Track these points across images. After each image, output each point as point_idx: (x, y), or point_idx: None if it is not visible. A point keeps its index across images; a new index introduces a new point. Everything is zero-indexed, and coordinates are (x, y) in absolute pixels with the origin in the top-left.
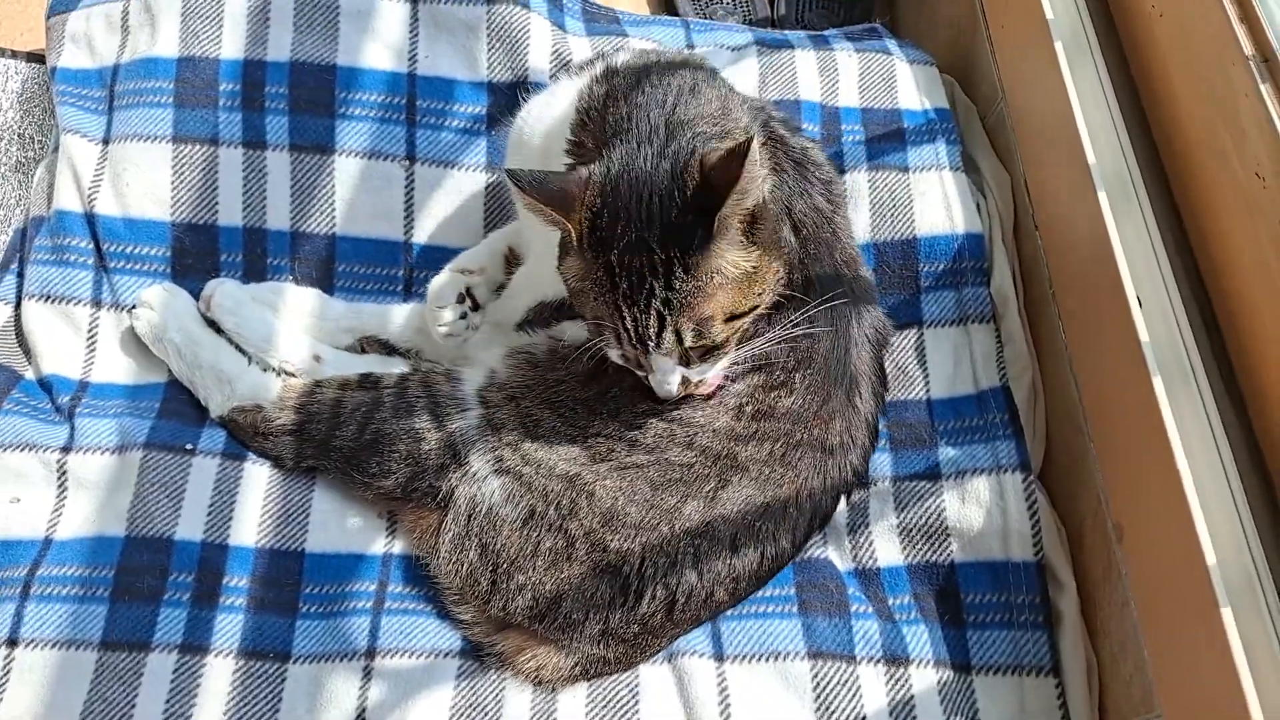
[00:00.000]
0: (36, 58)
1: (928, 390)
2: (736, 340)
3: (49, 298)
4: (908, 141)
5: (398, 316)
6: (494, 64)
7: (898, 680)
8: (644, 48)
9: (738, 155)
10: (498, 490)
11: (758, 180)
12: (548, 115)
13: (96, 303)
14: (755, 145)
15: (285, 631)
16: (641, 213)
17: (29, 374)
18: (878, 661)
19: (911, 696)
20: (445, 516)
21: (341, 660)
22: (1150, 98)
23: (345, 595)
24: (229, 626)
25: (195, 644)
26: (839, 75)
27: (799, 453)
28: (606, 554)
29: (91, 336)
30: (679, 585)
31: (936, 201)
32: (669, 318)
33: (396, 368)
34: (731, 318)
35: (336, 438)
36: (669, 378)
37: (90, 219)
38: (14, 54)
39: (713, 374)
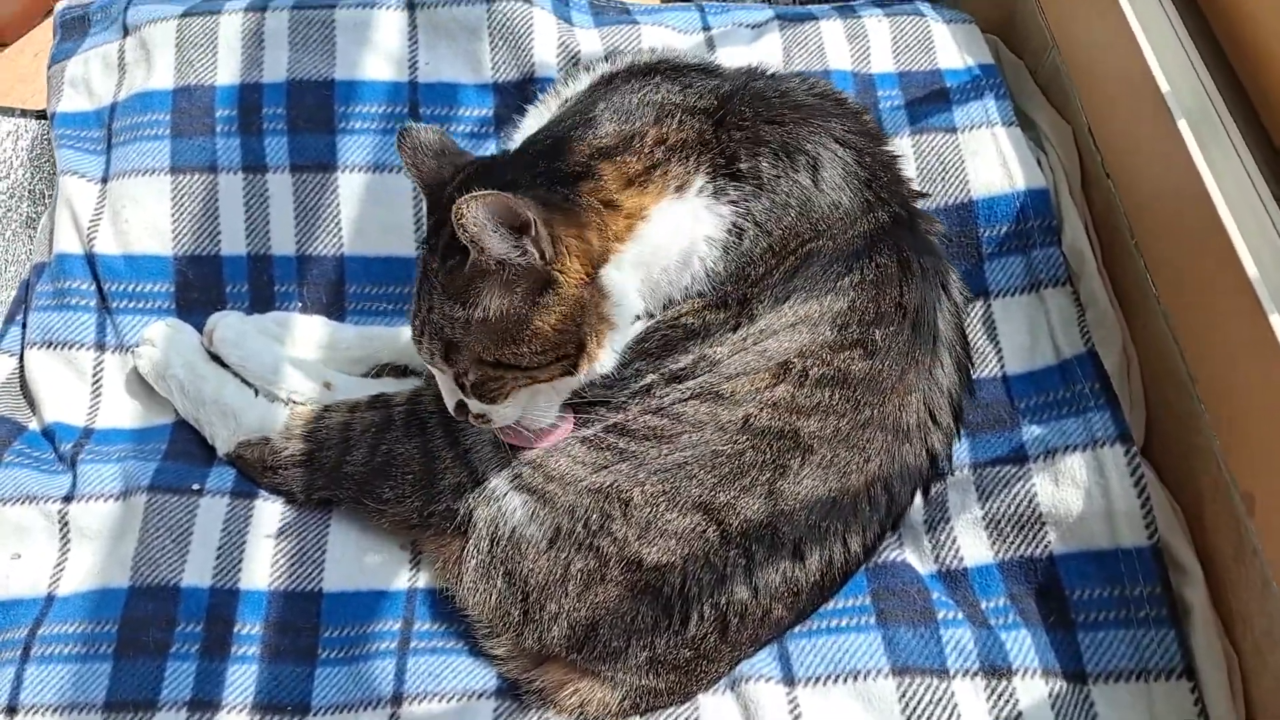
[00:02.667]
0: (45, 115)
1: (1002, 366)
2: (525, 400)
3: (51, 344)
4: (952, 101)
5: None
6: (499, 64)
7: (1000, 695)
8: (656, 43)
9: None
10: (519, 509)
11: (487, 238)
12: (529, 128)
13: (100, 346)
14: (464, 208)
15: (304, 681)
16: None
17: (33, 425)
18: (975, 674)
19: (1019, 713)
20: (467, 543)
21: (366, 709)
22: (1218, 12)
23: (368, 637)
24: (242, 679)
25: (206, 699)
26: (869, 42)
27: (869, 433)
28: (642, 573)
29: (96, 381)
30: (729, 603)
31: (991, 160)
32: (426, 330)
33: (411, 386)
34: (497, 365)
35: (347, 464)
36: (445, 393)
37: (90, 260)
38: (23, 113)
39: (524, 419)
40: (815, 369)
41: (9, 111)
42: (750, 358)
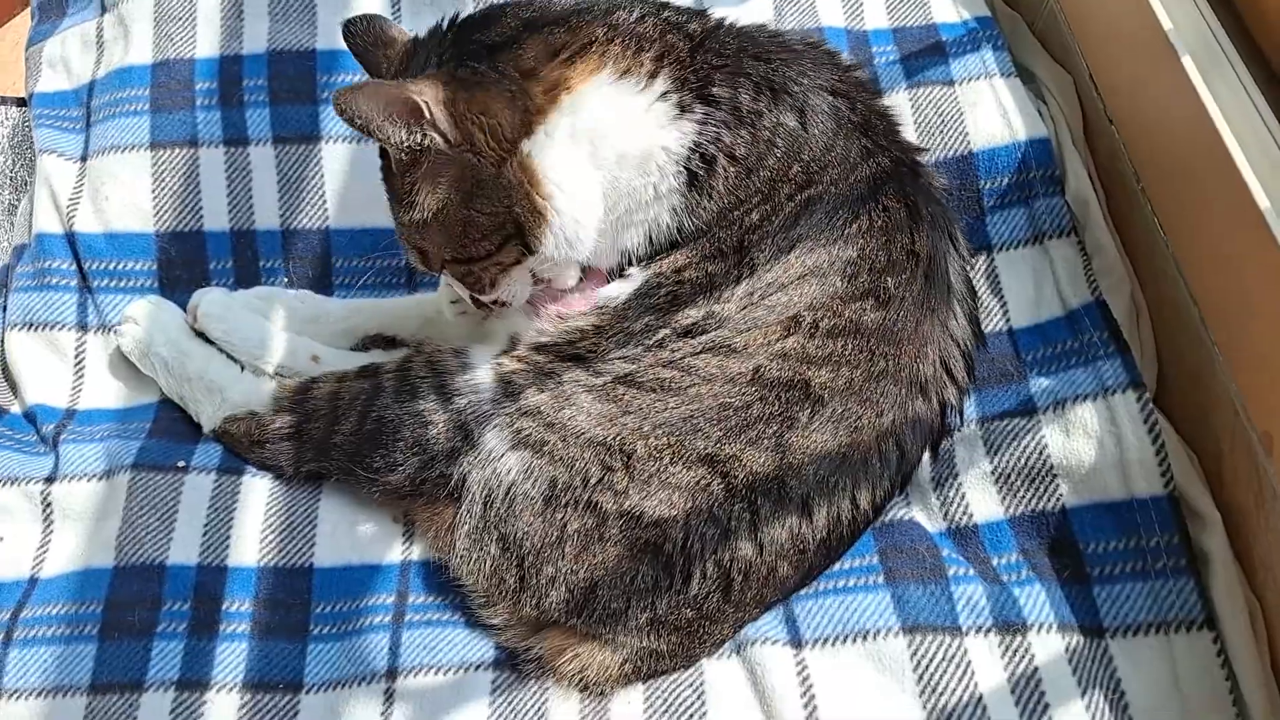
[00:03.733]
0: (26, 103)
1: (1008, 320)
2: (520, 280)
3: (32, 325)
4: (949, 54)
5: (400, 308)
6: None
7: (1015, 651)
8: None
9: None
10: (515, 467)
11: (382, 129)
12: None
13: (82, 326)
14: (341, 102)
15: (295, 658)
16: None
17: (14, 408)
18: (988, 631)
19: (1035, 669)
20: (459, 509)
21: (360, 684)
22: None
23: (361, 611)
24: (232, 657)
25: (194, 679)
26: None
27: (882, 385)
28: (643, 529)
29: (79, 362)
30: (732, 560)
31: (990, 111)
32: (401, 238)
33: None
34: (457, 261)
35: (336, 433)
36: (457, 292)
37: (71, 239)
38: (4, 100)
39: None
40: (826, 320)
41: None
42: (760, 312)
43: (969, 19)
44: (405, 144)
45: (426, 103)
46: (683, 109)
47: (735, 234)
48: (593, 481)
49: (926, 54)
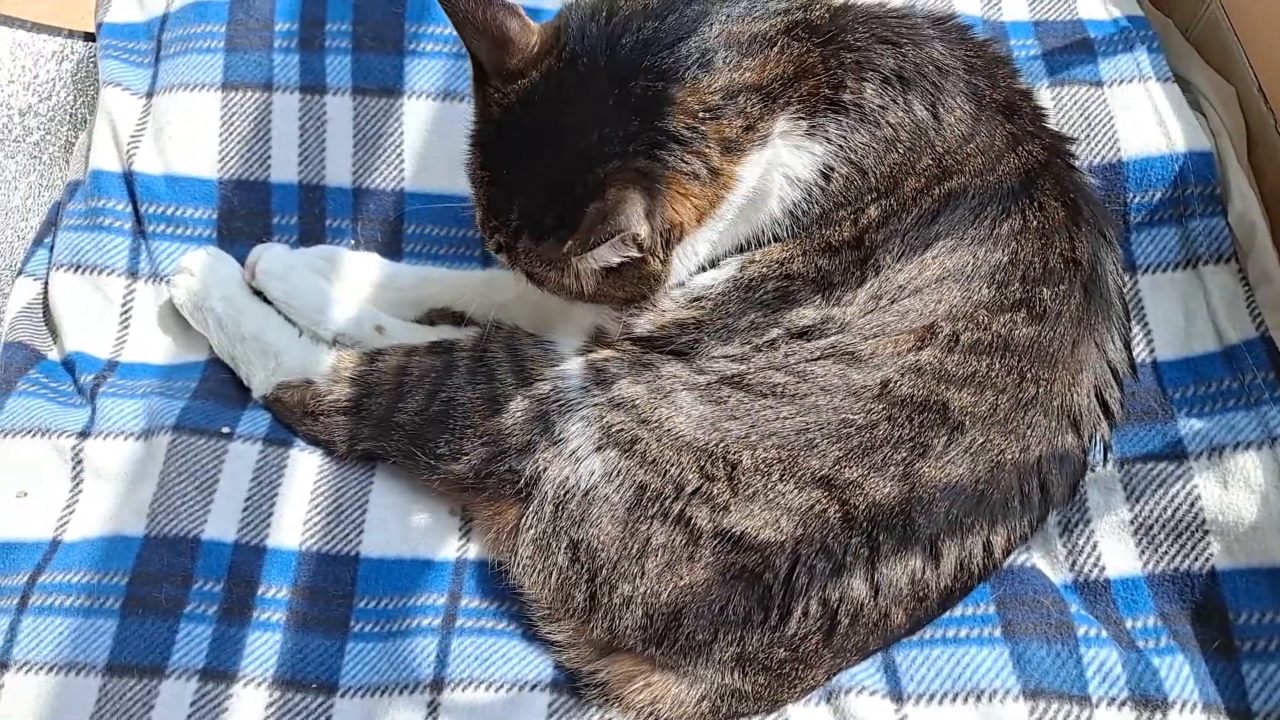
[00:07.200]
0: (93, 37)
1: (1151, 350)
2: None
3: (79, 267)
4: (1098, 52)
5: (476, 282)
6: None
7: None
8: None
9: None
10: (598, 469)
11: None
12: None
13: (133, 273)
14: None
15: (333, 656)
16: None
17: (53, 354)
18: (1122, 703)
19: None
20: (526, 510)
21: (401, 693)
22: None
23: (408, 611)
24: (263, 649)
25: (221, 670)
26: None
27: (1031, 415)
28: (741, 552)
29: (126, 310)
30: (842, 599)
31: (1145, 117)
32: (496, 240)
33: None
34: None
35: (399, 411)
36: None
37: (129, 178)
38: (71, 34)
39: None
40: (969, 333)
41: (56, 31)
42: (889, 318)
43: (1120, 17)
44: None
45: (649, 238)
46: (812, 131)
47: (848, 230)
48: (688, 491)
49: (1072, 50)
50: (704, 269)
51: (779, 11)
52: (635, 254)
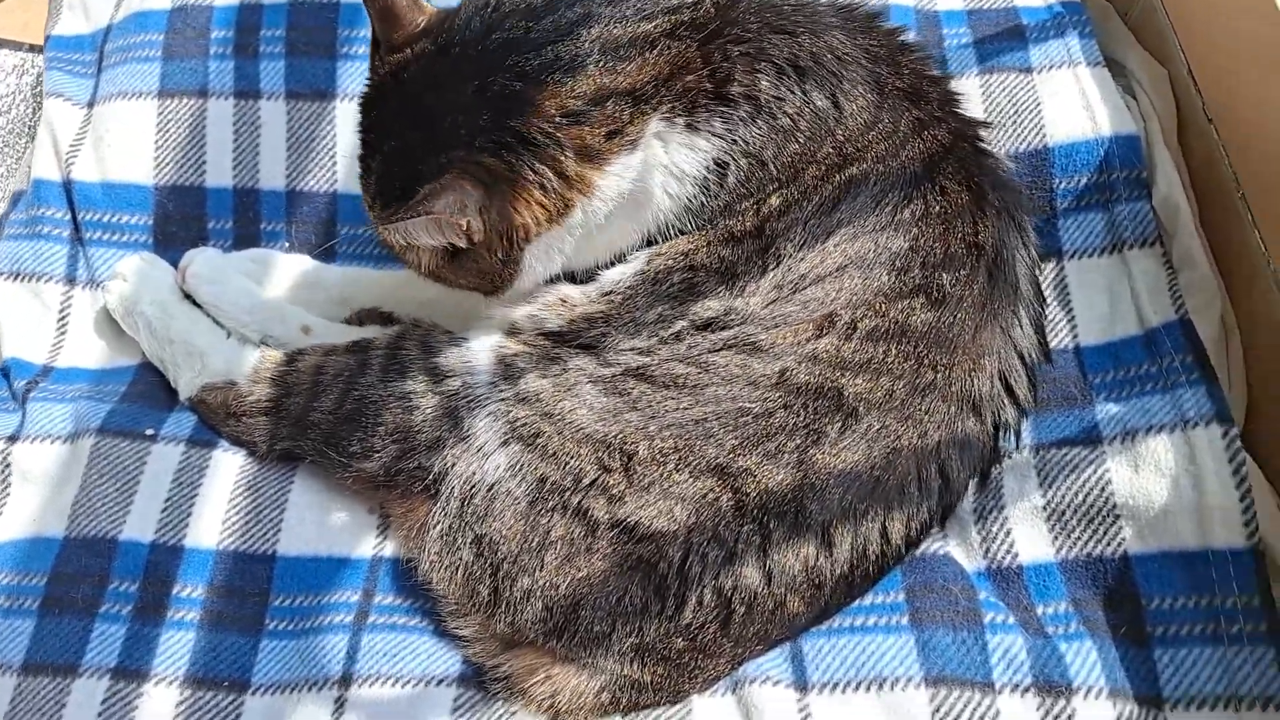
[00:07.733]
0: None
1: (1075, 336)
2: None
3: (18, 275)
4: (1029, 39)
5: (401, 283)
6: None
7: (1056, 716)
8: None
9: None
10: (503, 463)
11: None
12: None
13: (70, 280)
14: (389, 237)
15: (246, 654)
16: None
17: None
18: (1026, 690)
19: None
20: (434, 506)
21: (310, 690)
22: None
23: (322, 608)
24: (176, 647)
25: (133, 668)
26: None
27: (929, 400)
28: (636, 542)
29: (63, 317)
30: (735, 588)
31: (1072, 102)
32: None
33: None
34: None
35: (314, 410)
36: None
37: (67, 187)
38: (31, 48)
39: None
40: (866, 320)
41: (16, 45)
42: (791, 308)
43: (1055, 3)
44: (428, 244)
45: (469, 221)
46: (693, 127)
47: (750, 220)
48: (585, 482)
49: (1003, 38)
50: (612, 264)
51: (668, 10)
52: (463, 243)
